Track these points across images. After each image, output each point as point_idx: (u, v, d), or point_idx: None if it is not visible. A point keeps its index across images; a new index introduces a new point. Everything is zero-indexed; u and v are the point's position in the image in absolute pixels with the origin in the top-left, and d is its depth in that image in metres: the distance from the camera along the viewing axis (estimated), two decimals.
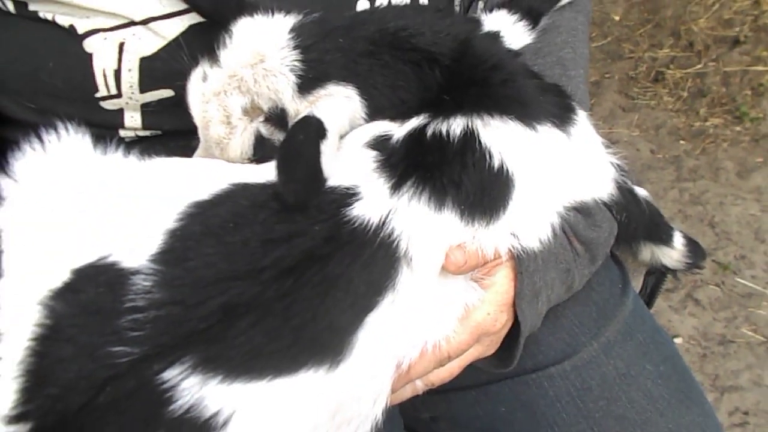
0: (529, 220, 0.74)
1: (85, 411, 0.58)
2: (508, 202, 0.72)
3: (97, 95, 0.84)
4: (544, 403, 0.89)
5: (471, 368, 0.80)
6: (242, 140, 0.74)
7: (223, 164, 0.73)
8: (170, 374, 0.59)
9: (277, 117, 0.74)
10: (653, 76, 2.80)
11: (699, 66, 2.78)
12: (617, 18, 3.00)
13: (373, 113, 0.74)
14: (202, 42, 0.78)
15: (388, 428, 0.73)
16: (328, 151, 0.67)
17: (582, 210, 0.81)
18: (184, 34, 0.82)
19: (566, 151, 0.77)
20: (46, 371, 0.60)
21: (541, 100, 0.77)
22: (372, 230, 0.66)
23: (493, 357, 0.82)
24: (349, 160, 0.70)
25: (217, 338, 0.60)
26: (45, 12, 0.82)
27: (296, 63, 0.72)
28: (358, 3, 0.87)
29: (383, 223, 0.66)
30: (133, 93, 0.84)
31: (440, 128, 0.71)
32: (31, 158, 0.69)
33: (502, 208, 0.71)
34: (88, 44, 0.81)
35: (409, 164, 0.69)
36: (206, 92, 0.75)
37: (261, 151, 0.74)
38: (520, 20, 0.89)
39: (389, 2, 0.89)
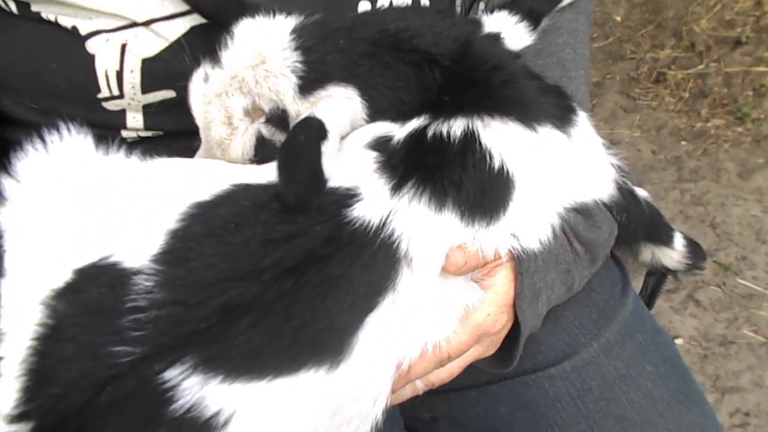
0: (530, 221, 0.74)
1: (86, 410, 0.59)
2: (508, 203, 0.72)
3: (100, 96, 0.84)
4: (544, 404, 0.89)
5: (471, 368, 0.80)
6: (243, 141, 0.75)
7: (224, 165, 0.73)
8: (171, 374, 0.59)
9: (278, 118, 0.74)
10: (655, 77, 2.79)
11: (700, 67, 2.78)
12: (619, 18, 3.00)
13: (374, 114, 0.74)
14: (203, 43, 0.78)
15: (388, 428, 0.73)
16: (328, 152, 0.67)
17: (582, 211, 0.81)
18: (186, 35, 0.82)
19: (566, 152, 0.77)
20: (48, 370, 0.60)
21: (541, 101, 0.77)
22: (372, 231, 0.66)
23: (494, 357, 0.82)
24: (350, 161, 0.70)
25: (217, 338, 0.61)
26: (48, 13, 0.82)
27: (297, 64, 0.73)
28: (360, 4, 0.87)
29: (384, 224, 0.67)
30: (135, 94, 0.84)
31: (441, 129, 0.71)
32: (33, 158, 0.70)
33: (502, 209, 0.72)
34: (91, 45, 0.82)
35: (410, 165, 0.70)
36: (208, 93, 0.75)
37: (262, 152, 0.75)
38: (521, 21, 0.89)
39: (391, 3, 0.89)
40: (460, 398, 0.95)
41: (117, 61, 0.82)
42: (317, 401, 0.64)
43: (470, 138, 0.71)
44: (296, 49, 0.73)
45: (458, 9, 0.99)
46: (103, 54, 0.81)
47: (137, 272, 0.62)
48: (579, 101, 0.85)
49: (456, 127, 0.71)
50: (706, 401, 0.93)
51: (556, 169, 0.76)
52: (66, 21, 0.81)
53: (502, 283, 0.76)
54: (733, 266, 2.20)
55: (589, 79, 0.96)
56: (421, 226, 0.68)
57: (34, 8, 0.82)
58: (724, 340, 2.03)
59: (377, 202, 0.67)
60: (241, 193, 0.67)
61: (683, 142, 2.59)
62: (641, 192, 0.91)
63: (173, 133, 0.87)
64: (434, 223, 0.69)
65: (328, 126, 0.68)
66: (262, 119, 0.75)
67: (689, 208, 2.38)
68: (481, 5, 0.97)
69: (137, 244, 0.63)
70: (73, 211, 0.67)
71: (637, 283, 1.03)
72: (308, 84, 0.73)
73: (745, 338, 2.03)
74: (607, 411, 0.88)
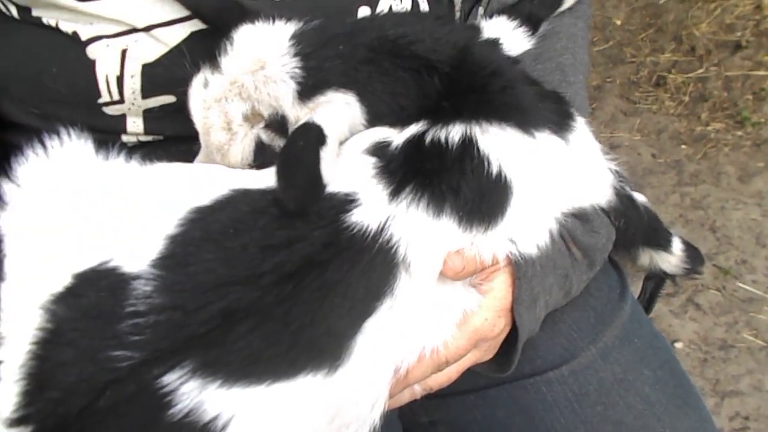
0: (527, 226, 0.75)
1: (86, 414, 0.59)
2: (506, 209, 0.72)
3: (100, 101, 0.84)
4: (542, 408, 0.89)
5: (469, 373, 0.80)
6: (243, 146, 0.75)
7: (223, 170, 0.73)
8: (170, 378, 0.59)
9: (277, 123, 0.75)
10: (655, 81, 2.80)
11: (700, 71, 2.78)
12: (619, 22, 3.01)
13: (373, 120, 0.74)
14: (203, 49, 0.78)
15: None
16: (327, 157, 0.68)
17: (580, 216, 0.81)
18: (186, 40, 0.82)
19: (564, 158, 0.77)
20: (47, 375, 0.60)
21: (539, 107, 0.77)
22: (371, 236, 0.66)
23: (492, 362, 0.82)
24: (349, 166, 0.70)
25: (216, 343, 0.61)
26: (48, 18, 0.82)
27: (296, 70, 0.73)
28: (359, 10, 0.88)
29: (382, 229, 0.67)
30: (135, 99, 0.84)
31: (439, 135, 0.72)
32: (33, 163, 0.70)
33: (500, 215, 0.72)
34: (91, 51, 0.82)
35: (408, 171, 0.70)
36: (207, 98, 0.75)
37: (261, 157, 0.75)
38: (520, 26, 0.89)
39: (390, 9, 0.89)
40: (458, 402, 0.95)
41: (117, 66, 0.82)
42: (315, 405, 0.64)
43: (468, 144, 0.71)
44: (295, 54, 0.74)
45: (457, 14, 0.99)
46: (104, 59, 0.82)
47: (136, 277, 0.62)
48: (577, 106, 0.85)
49: (454, 132, 0.72)
50: (704, 406, 0.93)
51: (554, 175, 0.77)
52: (67, 26, 0.82)
53: (500, 287, 0.76)
54: (733, 270, 2.20)
55: (589, 83, 0.96)
56: (419, 232, 0.68)
57: (35, 13, 0.83)
58: (723, 344, 2.03)
59: (375, 208, 0.68)
60: (240, 198, 0.68)
61: (683, 146, 2.59)
62: (639, 197, 0.91)
63: (173, 137, 0.87)
64: (432, 228, 0.69)
65: (327, 131, 0.69)
66: (262, 124, 0.75)
67: (689, 211, 2.38)
68: (480, 10, 0.97)
69: (136, 249, 0.64)
70: (72, 215, 0.67)
71: (635, 288, 1.03)
72: (307, 90, 0.73)
73: (745, 342, 2.03)
74: (605, 415, 0.88)
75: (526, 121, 0.74)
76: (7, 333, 0.62)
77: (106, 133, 0.83)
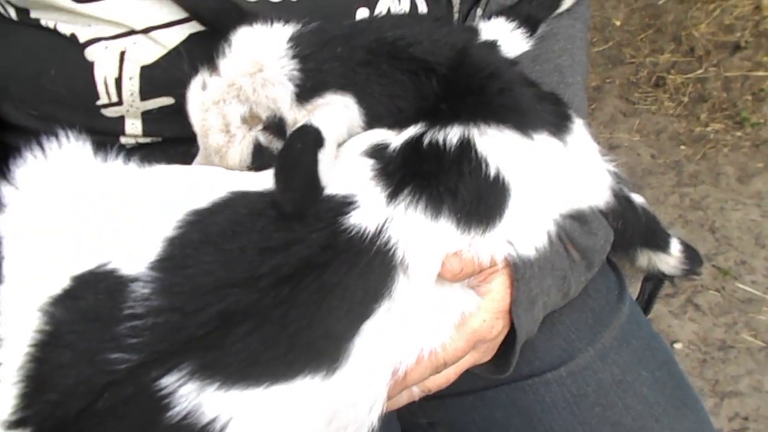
0: (525, 227, 0.75)
1: (84, 417, 0.59)
2: (504, 211, 0.72)
3: (99, 103, 0.84)
4: (541, 409, 0.89)
5: (468, 374, 0.80)
6: (241, 148, 0.75)
7: (222, 172, 0.73)
8: (168, 381, 0.59)
9: (275, 125, 0.75)
10: (654, 81, 2.80)
11: (700, 71, 2.79)
12: (618, 23, 3.01)
13: (371, 122, 0.74)
14: (202, 51, 0.78)
15: None
16: (325, 159, 0.68)
17: (578, 217, 0.81)
18: (184, 42, 0.82)
19: (562, 160, 0.77)
20: (46, 377, 0.60)
21: (537, 109, 0.77)
22: (369, 238, 0.67)
23: (490, 363, 0.82)
24: (347, 168, 0.71)
25: (214, 345, 0.61)
26: (47, 20, 0.82)
27: (294, 72, 0.73)
28: (358, 11, 0.88)
29: (380, 232, 0.67)
30: (133, 101, 0.84)
31: (437, 137, 0.72)
32: (32, 165, 0.70)
33: (498, 216, 0.72)
34: (90, 53, 0.82)
35: (406, 173, 0.70)
36: (205, 101, 0.75)
37: (259, 159, 0.75)
38: (518, 28, 0.89)
39: (388, 11, 0.89)
40: (457, 404, 0.95)
41: (116, 68, 0.82)
42: (314, 408, 0.64)
43: (466, 146, 0.71)
44: (293, 57, 0.74)
45: (456, 16, 0.99)
46: (102, 61, 0.82)
47: (135, 279, 0.62)
48: (576, 108, 0.85)
49: (452, 134, 0.72)
50: (702, 407, 0.94)
51: (552, 177, 0.77)
52: (65, 28, 0.82)
53: (498, 289, 0.76)
54: (732, 271, 2.20)
55: (588, 84, 0.97)
56: (417, 234, 0.68)
57: (34, 15, 0.83)
58: (723, 345, 2.03)
59: (373, 210, 0.68)
60: (238, 200, 0.68)
61: (682, 147, 2.59)
62: (637, 198, 0.91)
63: (172, 139, 0.87)
64: (430, 230, 0.69)
65: (325, 134, 0.69)
66: (260, 127, 0.75)
67: (688, 212, 2.38)
68: (479, 12, 0.98)
69: (135, 251, 0.64)
70: (71, 217, 0.67)
71: (634, 289, 1.03)
72: (305, 92, 0.73)
73: (745, 342, 2.03)
74: (603, 417, 0.88)
75: (524, 123, 0.74)
76: (5, 335, 0.62)
77: (105, 135, 0.83)
